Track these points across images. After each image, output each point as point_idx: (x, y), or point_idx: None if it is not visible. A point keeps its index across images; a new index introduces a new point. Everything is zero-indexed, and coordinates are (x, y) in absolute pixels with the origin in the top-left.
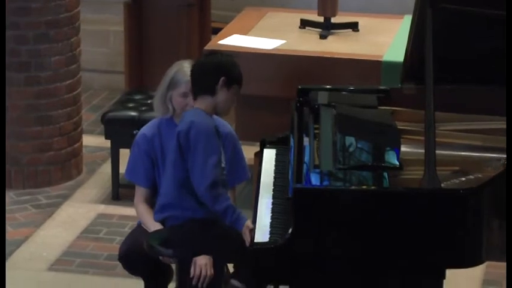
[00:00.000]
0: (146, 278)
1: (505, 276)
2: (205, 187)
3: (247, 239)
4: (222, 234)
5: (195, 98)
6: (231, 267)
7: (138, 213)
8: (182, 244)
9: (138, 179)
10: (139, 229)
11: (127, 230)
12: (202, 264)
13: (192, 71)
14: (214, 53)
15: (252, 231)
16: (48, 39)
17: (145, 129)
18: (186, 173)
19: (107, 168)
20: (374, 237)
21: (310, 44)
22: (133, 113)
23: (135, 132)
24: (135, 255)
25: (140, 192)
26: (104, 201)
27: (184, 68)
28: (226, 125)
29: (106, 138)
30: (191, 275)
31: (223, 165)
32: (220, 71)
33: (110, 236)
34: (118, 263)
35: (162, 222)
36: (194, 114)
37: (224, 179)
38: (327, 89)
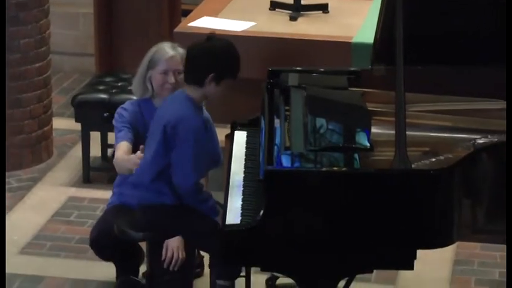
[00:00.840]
0: (117, 262)
1: (476, 256)
2: (191, 184)
3: None
4: (193, 217)
5: (186, 81)
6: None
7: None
8: (153, 227)
9: (121, 137)
10: (110, 213)
11: (98, 213)
12: (174, 247)
13: (187, 57)
14: (212, 37)
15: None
16: (17, 22)
17: (126, 105)
18: (167, 162)
19: (77, 151)
20: (345, 218)
21: (280, 26)
22: (103, 96)
23: (105, 114)
24: (105, 240)
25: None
26: (75, 184)
27: (165, 47)
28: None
29: (76, 121)
30: (163, 257)
31: None
32: (211, 66)
33: (81, 219)
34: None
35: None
36: (184, 108)
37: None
38: (297, 71)
